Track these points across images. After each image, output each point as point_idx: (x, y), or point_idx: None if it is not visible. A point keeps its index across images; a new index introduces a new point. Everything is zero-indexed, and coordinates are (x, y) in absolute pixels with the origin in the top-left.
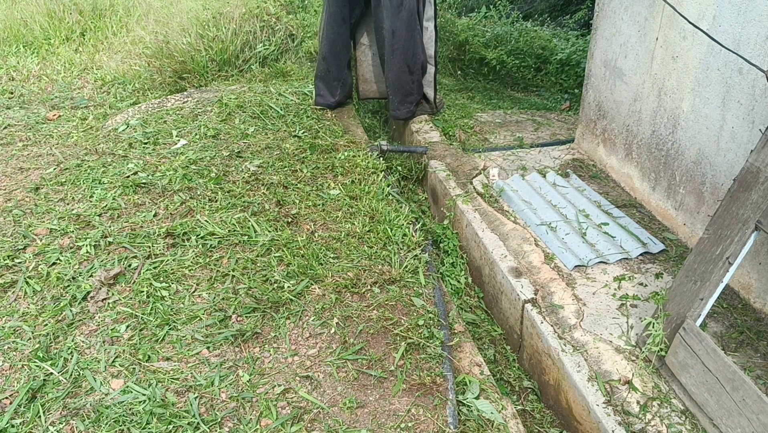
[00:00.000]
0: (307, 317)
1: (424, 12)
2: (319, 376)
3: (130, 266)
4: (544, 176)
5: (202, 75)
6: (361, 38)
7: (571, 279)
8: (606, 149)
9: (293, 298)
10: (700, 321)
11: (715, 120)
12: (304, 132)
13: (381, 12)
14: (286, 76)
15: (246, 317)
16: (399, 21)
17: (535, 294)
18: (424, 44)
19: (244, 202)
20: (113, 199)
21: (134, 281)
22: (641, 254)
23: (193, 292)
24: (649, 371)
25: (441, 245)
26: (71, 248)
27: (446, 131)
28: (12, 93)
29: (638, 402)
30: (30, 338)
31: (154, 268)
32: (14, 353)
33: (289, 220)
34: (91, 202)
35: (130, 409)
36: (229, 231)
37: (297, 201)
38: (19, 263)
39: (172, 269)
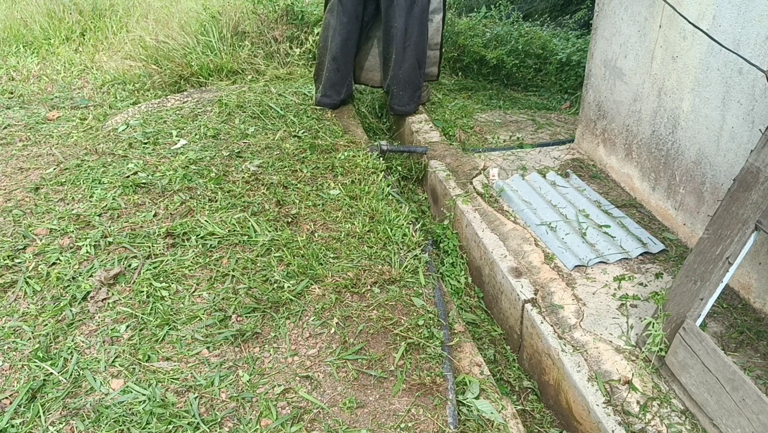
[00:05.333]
0: (307, 317)
1: (428, 5)
2: (319, 376)
3: (130, 266)
4: (544, 176)
5: (202, 75)
6: (370, 33)
7: (571, 279)
8: (606, 149)
9: (293, 298)
10: (700, 321)
11: (715, 120)
12: (304, 132)
13: (393, 10)
14: (287, 78)
15: (246, 317)
16: (412, 19)
17: (535, 294)
18: (428, 35)
19: (244, 202)
20: (113, 199)
21: (134, 281)
22: (641, 254)
23: (193, 292)
24: (649, 371)
25: (441, 245)
26: (71, 248)
27: (446, 131)
28: (12, 93)
29: (638, 402)
30: (30, 338)
31: (154, 268)
32: (14, 353)
33: (289, 220)
34: (91, 202)
35: (130, 409)
36: (229, 231)
37: (297, 201)
38: (19, 263)
39: (172, 269)
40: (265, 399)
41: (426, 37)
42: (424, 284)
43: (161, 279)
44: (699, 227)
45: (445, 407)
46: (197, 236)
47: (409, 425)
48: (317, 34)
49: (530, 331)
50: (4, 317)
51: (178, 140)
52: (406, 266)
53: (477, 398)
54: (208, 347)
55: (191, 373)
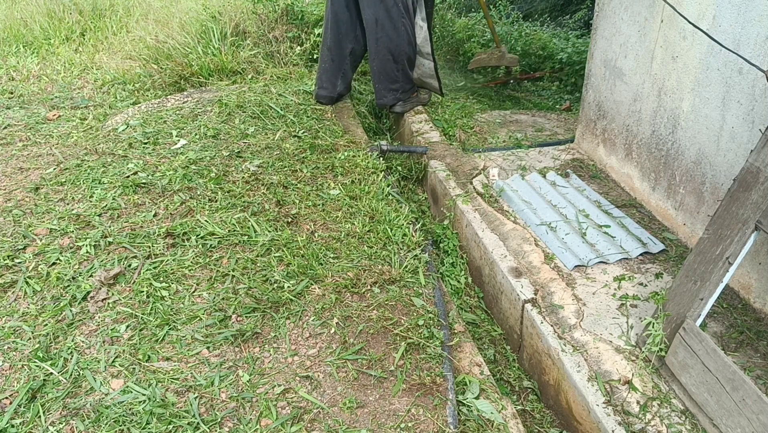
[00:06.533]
0: (307, 317)
1: (418, 12)
2: (319, 376)
3: (130, 266)
4: (544, 176)
5: (202, 75)
6: None
7: (571, 279)
8: (606, 149)
9: (293, 298)
10: (700, 321)
11: (715, 120)
12: (304, 132)
13: (363, 2)
14: (287, 78)
15: (246, 317)
16: (381, 9)
17: (535, 294)
18: (417, 41)
19: (244, 202)
20: (113, 199)
21: (134, 281)
22: (641, 254)
23: (193, 292)
24: (649, 371)
25: (441, 245)
26: (71, 248)
27: (446, 131)
28: (12, 93)
29: (638, 402)
30: (30, 338)
31: (154, 268)
32: (14, 353)
33: (289, 220)
34: (91, 202)
35: (130, 409)
36: (229, 231)
37: (297, 201)
38: (19, 263)
39: (172, 269)
40: (265, 399)
41: (401, 33)
42: (424, 284)
43: (161, 279)
44: (699, 227)
45: (445, 407)
46: (197, 236)
47: (409, 425)
48: (318, 34)
49: (530, 331)
50: (4, 317)
51: (178, 140)
52: (406, 266)
53: (477, 398)
54: (208, 347)
55: (191, 373)
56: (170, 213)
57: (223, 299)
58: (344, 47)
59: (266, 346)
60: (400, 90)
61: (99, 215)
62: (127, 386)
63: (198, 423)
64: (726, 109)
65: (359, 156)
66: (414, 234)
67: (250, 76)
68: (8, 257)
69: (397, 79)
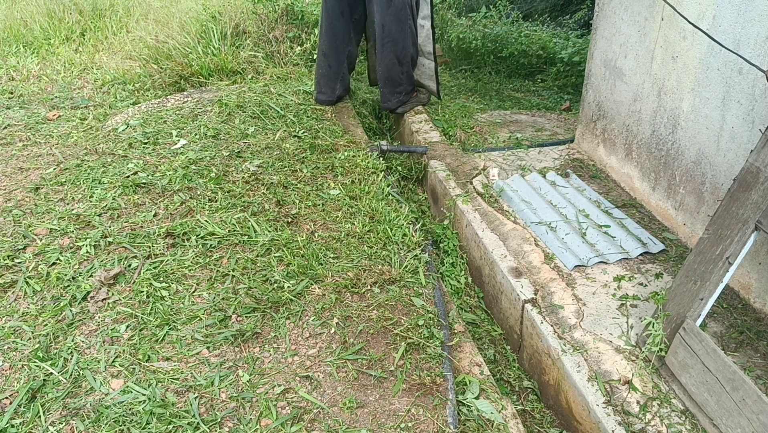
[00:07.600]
0: (307, 317)
1: (419, 11)
2: (319, 376)
3: (130, 266)
4: (544, 176)
5: (202, 75)
6: (368, 33)
7: (571, 279)
8: (606, 149)
9: (293, 298)
10: (700, 321)
11: (715, 120)
12: (304, 132)
13: (372, 7)
14: (286, 78)
15: (246, 317)
16: (388, 15)
17: (535, 294)
18: (419, 41)
19: (244, 202)
20: (113, 199)
21: (134, 281)
22: (641, 254)
23: (193, 292)
24: (649, 371)
25: (441, 245)
26: (71, 248)
27: (446, 131)
28: (12, 93)
29: (638, 402)
30: (30, 338)
31: (154, 268)
32: (14, 353)
33: (289, 220)
34: (91, 202)
35: (130, 409)
36: (229, 231)
37: (297, 201)
38: (19, 263)
39: (172, 269)
40: (265, 399)
41: (407, 35)
42: (424, 284)
43: (161, 279)
44: (699, 227)
45: (445, 407)
46: (197, 236)
47: (409, 425)
48: (317, 34)
49: (530, 331)
50: (4, 317)
51: (178, 140)
52: (406, 266)
53: (477, 398)
54: (208, 347)
55: (191, 373)
56: (170, 213)
57: (223, 299)
58: (341, 53)
59: (266, 346)
60: (404, 92)
61: (99, 215)
62: (127, 386)
63: (198, 423)
64: (726, 109)
65: (359, 156)
66: (414, 234)
67: (250, 76)
68: (8, 257)
69: (402, 82)
